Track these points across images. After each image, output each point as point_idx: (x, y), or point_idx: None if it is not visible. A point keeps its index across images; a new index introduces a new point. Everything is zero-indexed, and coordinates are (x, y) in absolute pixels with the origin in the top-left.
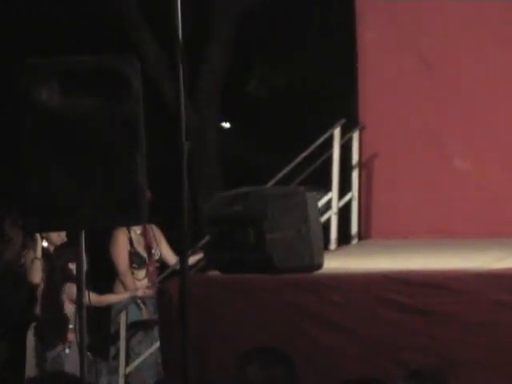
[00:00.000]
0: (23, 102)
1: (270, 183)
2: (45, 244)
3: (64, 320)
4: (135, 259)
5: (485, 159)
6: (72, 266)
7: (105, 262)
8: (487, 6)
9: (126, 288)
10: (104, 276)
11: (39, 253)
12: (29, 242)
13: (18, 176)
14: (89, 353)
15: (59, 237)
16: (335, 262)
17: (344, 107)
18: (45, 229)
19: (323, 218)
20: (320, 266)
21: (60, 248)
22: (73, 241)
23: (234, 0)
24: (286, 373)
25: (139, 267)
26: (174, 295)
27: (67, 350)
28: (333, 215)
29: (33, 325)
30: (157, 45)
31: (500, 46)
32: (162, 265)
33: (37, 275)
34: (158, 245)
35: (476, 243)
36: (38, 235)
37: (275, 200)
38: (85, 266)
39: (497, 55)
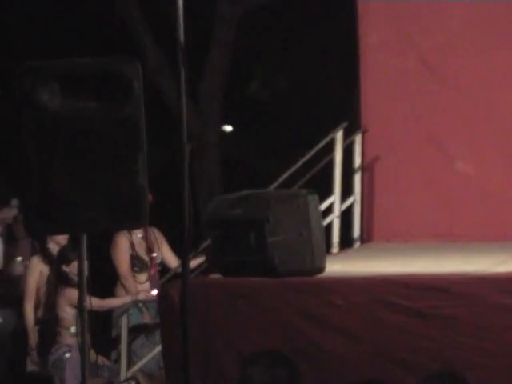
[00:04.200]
0: (25, 103)
1: (272, 186)
2: (50, 245)
3: (60, 323)
4: (137, 263)
5: (487, 162)
6: (66, 269)
7: (106, 266)
8: (489, 8)
9: (127, 292)
10: (105, 280)
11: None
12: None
13: (18, 178)
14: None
15: (65, 239)
16: (337, 266)
17: (346, 110)
18: (46, 232)
19: (325, 222)
20: (322, 269)
21: (62, 249)
22: (75, 243)
23: (236, 2)
24: (289, 375)
25: (141, 271)
26: (175, 298)
27: (67, 354)
28: (335, 219)
29: (36, 328)
30: (158, 47)
31: (502, 48)
32: (164, 268)
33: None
34: (159, 248)
35: (478, 247)
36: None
37: (277, 203)
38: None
39: (499, 57)
